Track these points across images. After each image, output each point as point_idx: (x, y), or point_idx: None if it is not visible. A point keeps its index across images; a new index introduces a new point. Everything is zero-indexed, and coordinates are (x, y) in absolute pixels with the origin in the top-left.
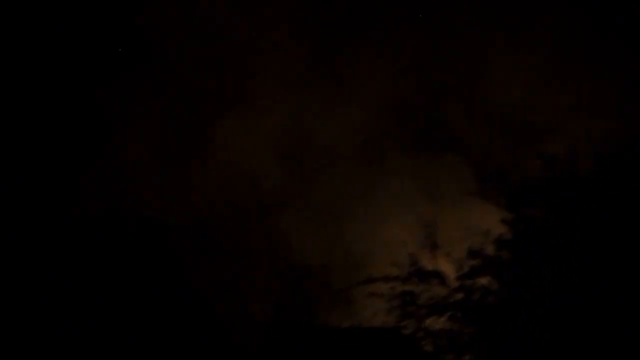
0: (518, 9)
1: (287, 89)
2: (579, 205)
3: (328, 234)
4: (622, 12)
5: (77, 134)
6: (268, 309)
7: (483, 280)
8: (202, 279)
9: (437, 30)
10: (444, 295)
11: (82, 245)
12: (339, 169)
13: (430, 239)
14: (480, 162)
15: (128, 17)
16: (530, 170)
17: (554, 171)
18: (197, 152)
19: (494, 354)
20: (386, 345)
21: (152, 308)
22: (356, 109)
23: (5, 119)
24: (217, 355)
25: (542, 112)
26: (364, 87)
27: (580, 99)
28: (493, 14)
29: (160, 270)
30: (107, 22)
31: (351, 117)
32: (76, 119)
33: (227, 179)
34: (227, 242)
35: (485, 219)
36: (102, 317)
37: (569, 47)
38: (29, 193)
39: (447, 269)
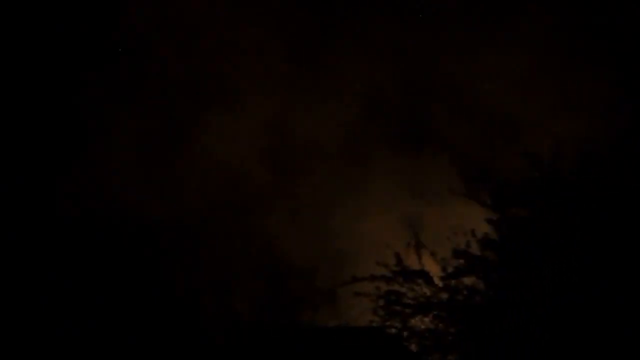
0: (502, 8)
1: (270, 88)
2: (564, 205)
3: (313, 233)
4: (606, 11)
5: (57, 134)
6: (253, 308)
7: (468, 280)
8: (186, 279)
9: (421, 29)
10: (429, 295)
11: (62, 245)
12: (323, 168)
13: (415, 239)
14: (465, 161)
15: (110, 16)
16: (515, 170)
17: (538, 170)
18: (180, 152)
19: (479, 354)
20: (372, 345)
21: (133, 308)
22: (340, 108)
23: None
24: (201, 355)
25: (527, 112)
26: (347, 86)
27: (564, 98)
28: (477, 13)
29: (143, 270)
30: (87, 21)
31: (335, 116)
32: (56, 118)
33: (210, 179)
34: (211, 241)
35: (470, 218)
36: (80, 317)
37: (553, 46)
38: (9, 194)
39: (432, 268)
